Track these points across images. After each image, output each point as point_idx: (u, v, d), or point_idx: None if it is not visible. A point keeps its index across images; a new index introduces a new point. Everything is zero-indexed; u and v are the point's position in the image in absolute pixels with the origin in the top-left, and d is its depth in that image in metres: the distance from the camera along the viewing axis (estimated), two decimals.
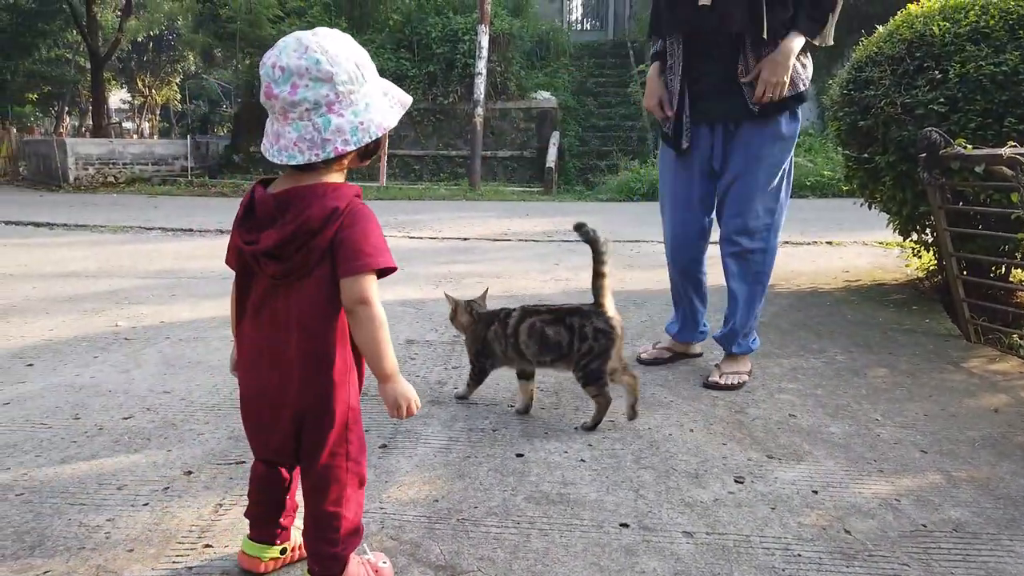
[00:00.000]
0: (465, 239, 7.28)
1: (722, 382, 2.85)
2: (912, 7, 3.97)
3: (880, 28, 4.16)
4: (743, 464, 2.18)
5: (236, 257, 1.45)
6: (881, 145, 3.82)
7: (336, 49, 1.32)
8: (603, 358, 2.38)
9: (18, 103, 34.81)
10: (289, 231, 1.32)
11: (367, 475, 1.55)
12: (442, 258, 6.13)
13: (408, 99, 1.45)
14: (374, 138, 1.35)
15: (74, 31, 26.44)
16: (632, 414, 2.50)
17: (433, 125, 15.92)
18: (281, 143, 1.32)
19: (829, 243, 6.55)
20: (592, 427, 2.43)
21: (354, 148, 1.33)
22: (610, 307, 2.42)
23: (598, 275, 2.40)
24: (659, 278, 5.03)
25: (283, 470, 1.56)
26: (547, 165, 14.04)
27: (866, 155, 3.98)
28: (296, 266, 1.35)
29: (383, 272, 1.38)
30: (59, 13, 26.46)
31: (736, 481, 2.07)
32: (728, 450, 2.28)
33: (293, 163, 1.32)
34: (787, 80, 2.61)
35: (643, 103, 3.04)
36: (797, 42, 2.61)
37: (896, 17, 4.04)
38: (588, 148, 15.82)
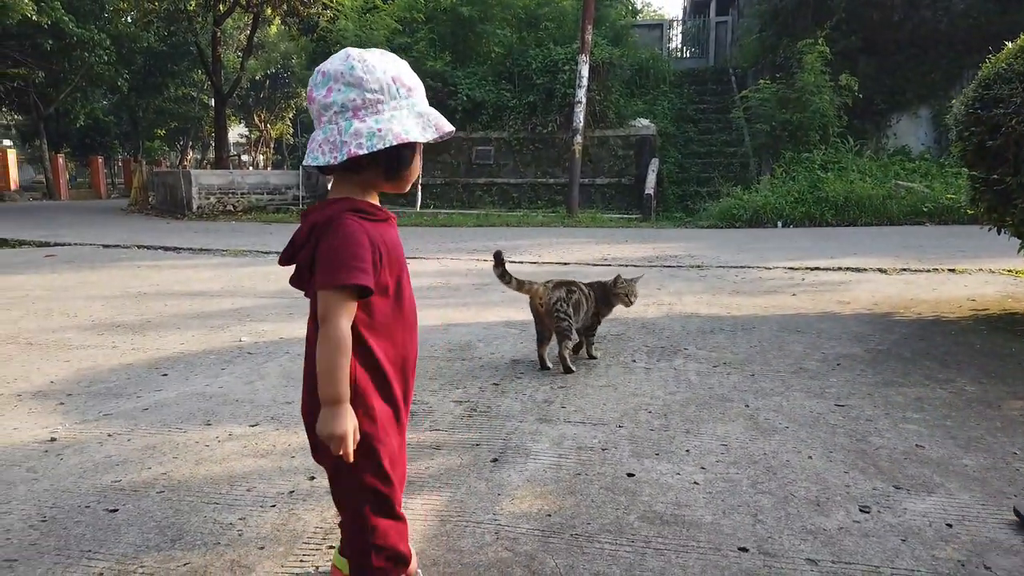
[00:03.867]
0: (565, 264, 7.31)
1: None
2: None
3: (1009, 44, 3.95)
4: (868, 493, 2.09)
5: None
6: (1012, 166, 3.62)
7: (375, 61, 1.33)
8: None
9: (148, 138, 37.69)
10: (286, 248, 1.40)
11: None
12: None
13: (449, 128, 1.40)
14: (388, 144, 1.30)
15: (200, 71, 28.44)
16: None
17: (532, 154, 16.14)
18: (312, 145, 1.33)
19: (951, 270, 6.19)
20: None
21: (366, 152, 1.29)
22: (536, 290, 3.35)
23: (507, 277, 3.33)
24: (766, 303, 4.91)
25: None
26: (646, 192, 13.96)
27: (995, 176, 3.77)
28: (295, 280, 1.40)
29: (359, 291, 1.31)
30: (187, 54, 28.59)
31: (861, 510, 1.98)
32: (851, 479, 2.19)
33: (315, 164, 1.32)
34: None
35: None
36: None
37: None
38: (688, 175, 15.63)
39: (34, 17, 21.14)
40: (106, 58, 24.92)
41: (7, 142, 34.71)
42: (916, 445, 2.45)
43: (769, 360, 3.52)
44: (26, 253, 9.04)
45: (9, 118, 34.07)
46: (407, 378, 1.48)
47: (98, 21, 25.54)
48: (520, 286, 3.32)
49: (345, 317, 1.31)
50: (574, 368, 3.34)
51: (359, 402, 1.37)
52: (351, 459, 1.34)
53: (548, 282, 3.39)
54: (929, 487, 2.13)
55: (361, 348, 1.36)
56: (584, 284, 3.47)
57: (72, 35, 23.17)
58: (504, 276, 3.26)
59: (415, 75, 1.41)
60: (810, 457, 2.35)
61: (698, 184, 15.06)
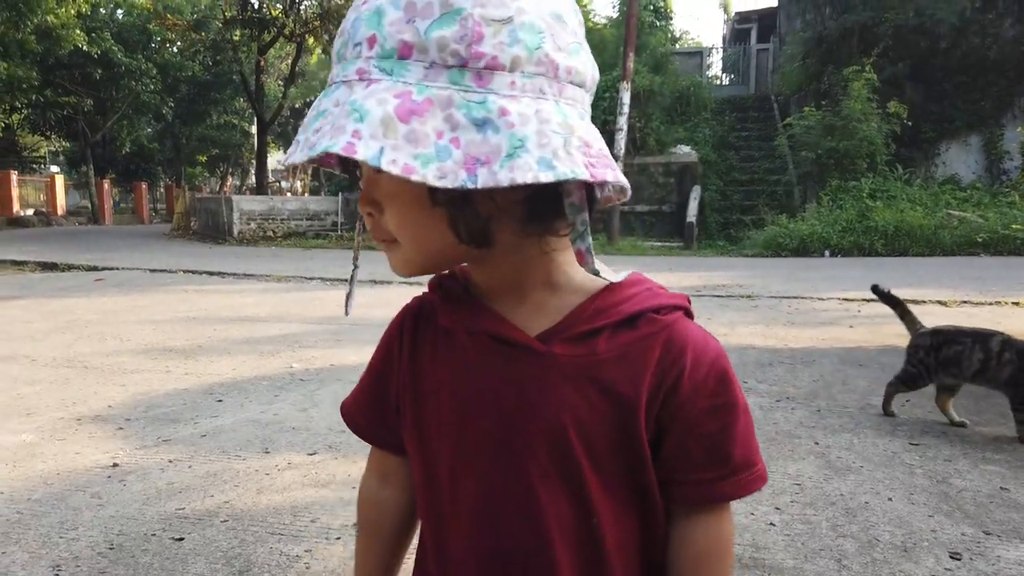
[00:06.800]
0: None
1: None
2: None
3: None
4: (957, 539, 1.98)
5: None
6: None
7: None
8: None
9: (191, 164, 38.59)
10: None
11: None
12: None
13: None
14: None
15: (242, 99, 29.12)
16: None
17: None
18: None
19: (1016, 304, 5.98)
20: None
21: None
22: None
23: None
24: (823, 335, 4.78)
25: None
26: (688, 220, 13.84)
27: None
28: None
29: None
30: (230, 83, 29.33)
31: (952, 557, 1.87)
32: (936, 523, 2.08)
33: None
34: None
35: None
36: None
37: None
38: (730, 202, 15.47)
39: (85, 47, 21.92)
40: (152, 87, 25.73)
41: (55, 168, 35.75)
42: (1000, 488, 2.33)
43: (834, 395, 3.41)
44: (75, 277, 9.23)
45: (58, 145, 35.14)
46: None
47: (145, 51, 26.41)
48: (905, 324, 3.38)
49: (368, 469, 0.82)
50: (891, 412, 3.13)
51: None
52: None
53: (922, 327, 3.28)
54: (1021, 534, 2.01)
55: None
56: (1000, 341, 2.84)
57: (120, 64, 23.99)
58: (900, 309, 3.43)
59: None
60: (890, 499, 2.25)
61: (741, 212, 14.87)
